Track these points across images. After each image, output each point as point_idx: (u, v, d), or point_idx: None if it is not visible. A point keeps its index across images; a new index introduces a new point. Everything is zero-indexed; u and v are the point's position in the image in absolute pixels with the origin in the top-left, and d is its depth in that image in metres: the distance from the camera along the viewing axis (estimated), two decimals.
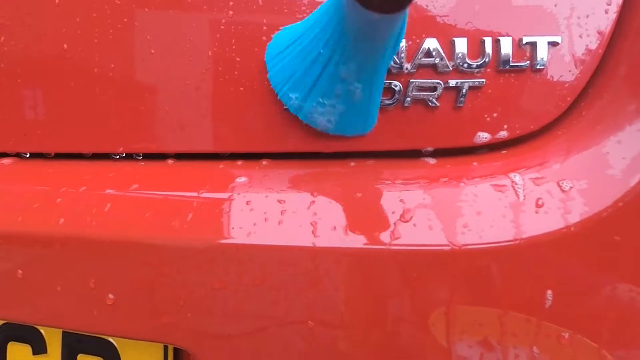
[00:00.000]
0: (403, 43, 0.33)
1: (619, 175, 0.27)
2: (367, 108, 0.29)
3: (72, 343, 0.37)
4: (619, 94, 0.31)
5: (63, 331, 0.37)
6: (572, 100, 0.32)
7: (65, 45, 0.37)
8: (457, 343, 0.27)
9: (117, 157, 0.39)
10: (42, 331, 0.38)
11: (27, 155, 0.40)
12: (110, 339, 0.36)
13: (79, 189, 0.34)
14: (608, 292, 0.26)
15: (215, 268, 0.29)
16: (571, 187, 0.27)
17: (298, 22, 0.31)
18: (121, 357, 0.36)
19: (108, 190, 0.33)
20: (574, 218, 0.26)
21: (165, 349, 0.35)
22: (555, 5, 0.32)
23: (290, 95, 0.30)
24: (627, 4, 0.32)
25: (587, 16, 0.32)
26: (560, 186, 0.28)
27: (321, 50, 0.26)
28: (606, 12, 0.32)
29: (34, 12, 0.37)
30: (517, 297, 0.27)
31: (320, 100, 0.29)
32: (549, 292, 0.26)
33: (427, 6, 0.33)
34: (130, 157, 0.38)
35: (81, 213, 0.32)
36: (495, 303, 0.26)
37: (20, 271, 0.32)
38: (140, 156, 0.38)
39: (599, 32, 0.32)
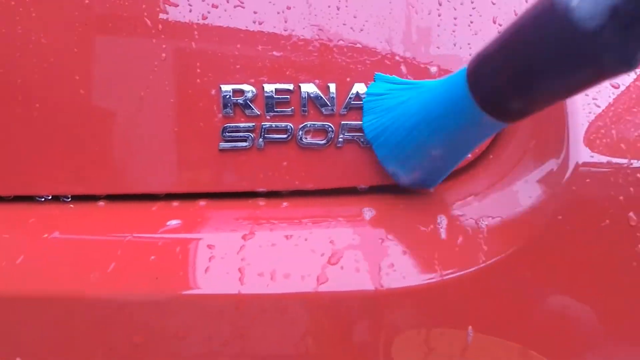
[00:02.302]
0: (333, 87, 0.34)
1: (525, 214, 0.29)
2: (439, 175, 0.30)
3: None
4: (528, 133, 0.34)
5: None
6: (490, 140, 0.35)
7: None
8: None
9: (42, 199, 0.37)
10: None
11: None
12: None
13: None
14: (523, 324, 0.27)
15: (135, 321, 0.27)
16: (487, 225, 0.29)
17: (401, 86, 0.29)
18: None
19: (21, 240, 0.31)
20: (489, 256, 0.28)
21: None
22: (470, 55, 0.36)
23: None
24: None
25: None
26: (478, 224, 0.30)
27: (424, 133, 0.26)
28: None
29: None
30: (440, 334, 0.27)
31: (405, 164, 0.30)
32: (470, 328, 0.27)
33: (358, 54, 0.35)
34: (57, 199, 0.36)
35: None
36: (421, 341, 0.27)
37: None
38: (68, 198, 0.36)
39: None
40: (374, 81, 0.33)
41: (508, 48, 0.22)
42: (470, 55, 0.36)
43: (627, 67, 0.19)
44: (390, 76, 0.33)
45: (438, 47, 0.36)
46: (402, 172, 0.31)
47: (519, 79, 0.21)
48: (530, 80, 0.21)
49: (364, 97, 0.32)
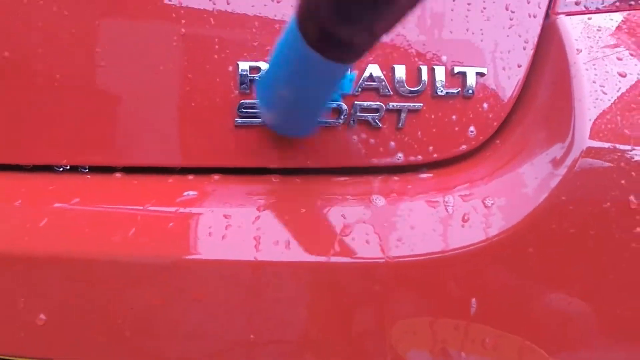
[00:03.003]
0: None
1: (530, 193, 0.30)
2: (300, 123, 0.32)
3: None
4: (535, 120, 0.35)
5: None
6: (498, 125, 0.36)
7: (6, 53, 0.35)
8: (392, 350, 0.28)
9: (61, 169, 0.38)
10: None
11: None
12: None
13: (13, 203, 0.32)
14: (524, 297, 0.29)
15: (155, 284, 0.29)
16: (493, 204, 0.30)
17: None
18: None
19: (45, 205, 0.32)
20: (494, 231, 0.29)
21: None
22: (482, 41, 0.36)
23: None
24: (540, 44, 0.37)
25: (509, 51, 0.37)
26: (484, 203, 0.31)
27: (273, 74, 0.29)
28: (524, 49, 0.37)
29: None
30: (445, 305, 0.29)
31: (265, 107, 0.33)
32: (473, 299, 0.28)
33: None
34: (75, 169, 0.37)
35: (13, 228, 0.30)
36: (426, 311, 0.28)
37: None
38: (86, 169, 0.37)
39: (519, 66, 0.36)
40: None
41: None
42: (482, 41, 0.37)
43: None
44: None
45: (451, 32, 0.36)
46: (268, 115, 0.32)
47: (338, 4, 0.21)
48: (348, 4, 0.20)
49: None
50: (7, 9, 0.35)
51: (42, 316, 0.29)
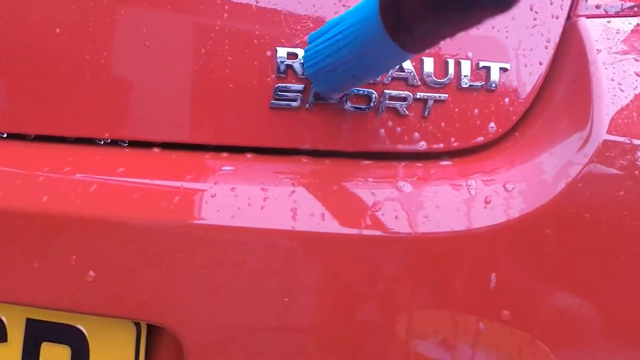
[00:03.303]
0: None
1: (550, 180, 0.32)
2: (336, 85, 0.34)
3: (36, 330, 0.37)
4: (554, 114, 0.37)
5: (27, 318, 0.36)
6: (518, 118, 0.38)
7: (57, 30, 0.37)
8: (416, 318, 0.30)
9: (102, 142, 0.40)
10: (2, 318, 0.37)
11: (4, 136, 0.40)
12: (79, 326, 0.36)
13: (62, 170, 0.34)
14: (540, 275, 0.31)
15: (199, 247, 0.31)
16: (513, 188, 0.32)
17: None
18: (89, 344, 0.36)
19: (94, 173, 0.34)
20: (514, 213, 0.31)
21: (138, 334, 0.36)
22: (507, 38, 0.39)
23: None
24: (561, 43, 0.39)
25: (531, 49, 0.39)
26: (505, 187, 0.33)
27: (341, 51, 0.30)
28: (546, 48, 0.39)
29: None
30: (467, 278, 0.31)
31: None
32: (493, 275, 0.30)
33: None
34: (115, 143, 0.39)
35: (65, 191, 0.32)
36: (449, 283, 0.30)
37: None
38: (125, 143, 0.39)
39: (540, 63, 0.39)
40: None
41: None
42: (506, 38, 0.39)
43: (504, 6, 0.22)
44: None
45: (477, 29, 0.38)
46: (318, 81, 0.34)
47: (424, 8, 0.24)
48: (434, 9, 0.23)
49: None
50: None
51: (91, 273, 0.31)
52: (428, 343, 0.31)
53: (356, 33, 0.29)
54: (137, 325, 0.35)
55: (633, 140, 0.33)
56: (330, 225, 0.31)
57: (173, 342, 0.33)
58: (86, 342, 0.36)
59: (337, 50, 0.31)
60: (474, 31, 0.40)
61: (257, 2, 0.37)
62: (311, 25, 0.37)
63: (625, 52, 0.37)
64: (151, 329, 0.35)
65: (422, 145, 0.37)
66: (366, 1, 0.30)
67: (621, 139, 0.33)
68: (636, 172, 0.32)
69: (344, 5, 0.37)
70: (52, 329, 0.36)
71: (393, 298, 0.31)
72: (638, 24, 0.39)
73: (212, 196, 0.33)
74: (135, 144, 0.39)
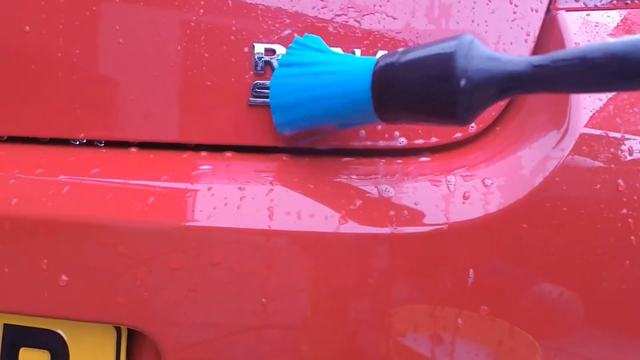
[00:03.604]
0: (358, 53, 0.37)
1: (527, 175, 0.32)
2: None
3: (14, 335, 0.36)
4: (532, 109, 0.37)
5: (4, 323, 0.36)
6: (497, 114, 0.38)
7: (27, 27, 0.36)
8: (395, 315, 0.30)
9: (77, 143, 0.39)
10: None
11: None
12: (58, 330, 0.36)
13: (34, 172, 0.34)
14: (517, 269, 0.31)
15: (174, 249, 0.30)
16: (492, 183, 0.32)
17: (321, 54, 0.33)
18: (69, 348, 0.36)
19: (66, 174, 0.33)
20: (492, 208, 0.31)
21: (118, 338, 0.35)
22: (486, 32, 0.38)
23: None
24: (541, 37, 0.39)
25: (511, 43, 0.38)
26: (483, 182, 0.33)
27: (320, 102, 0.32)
28: (525, 41, 0.39)
29: None
30: (445, 274, 0.31)
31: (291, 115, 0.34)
32: (471, 270, 0.30)
33: (383, 24, 0.37)
34: (91, 144, 0.39)
35: (36, 194, 0.31)
36: (428, 279, 0.30)
37: None
38: (102, 143, 0.39)
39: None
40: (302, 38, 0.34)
41: (407, 76, 0.28)
42: (486, 32, 0.39)
43: (461, 122, 0.26)
44: (314, 37, 0.34)
45: (457, 23, 0.38)
46: (284, 120, 0.34)
47: (407, 99, 0.28)
48: (413, 104, 0.28)
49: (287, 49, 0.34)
50: None
51: (64, 277, 0.31)
52: (408, 339, 0.31)
53: (342, 87, 0.31)
54: (118, 329, 0.34)
55: (609, 133, 0.33)
56: (309, 224, 0.31)
57: (154, 346, 0.33)
58: (66, 347, 0.36)
59: (315, 92, 0.32)
60: (453, 25, 0.40)
61: None
62: (288, 20, 0.36)
63: None
64: (132, 332, 0.35)
65: (401, 142, 0.37)
66: (358, 63, 0.31)
67: (598, 132, 0.33)
68: (612, 166, 0.32)
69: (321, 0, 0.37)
70: (30, 334, 0.36)
71: (373, 295, 0.30)
72: (617, 18, 0.40)
73: (188, 196, 0.32)
74: (111, 144, 0.38)
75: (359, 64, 0.31)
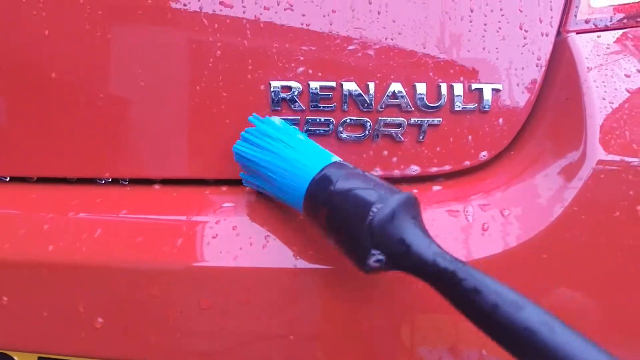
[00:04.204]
0: (372, 86, 0.38)
1: (545, 204, 0.32)
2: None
3: None
4: (547, 134, 0.37)
5: (39, 357, 0.37)
6: (512, 138, 0.38)
7: (53, 74, 0.38)
8: (422, 347, 0.31)
9: (103, 182, 0.40)
10: (15, 358, 0.38)
11: (7, 179, 0.41)
12: None
13: (66, 215, 0.35)
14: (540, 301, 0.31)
15: (202, 290, 0.31)
16: (509, 214, 0.33)
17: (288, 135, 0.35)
18: None
19: (97, 214, 0.35)
20: (511, 241, 0.31)
21: None
22: (497, 59, 0.39)
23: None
24: (552, 61, 0.39)
25: (523, 68, 0.39)
26: (502, 213, 0.33)
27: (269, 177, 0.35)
28: (537, 66, 0.39)
29: (19, 37, 0.38)
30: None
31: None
32: None
33: (396, 56, 0.38)
34: (116, 182, 0.40)
35: (70, 239, 0.33)
36: (451, 312, 0.31)
37: (5, 298, 0.33)
38: (126, 181, 0.40)
39: (532, 82, 0.39)
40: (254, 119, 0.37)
41: (335, 203, 0.30)
42: (497, 59, 0.39)
43: (364, 269, 0.28)
44: (267, 119, 0.36)
45: (468, 51, 0.39)
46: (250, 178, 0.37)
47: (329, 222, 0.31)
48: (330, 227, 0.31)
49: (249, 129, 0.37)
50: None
51: (100, 319, 0.32)
52: None
53: (285, 181, 0.34)
54: None
55: (625, 158, 0.33)
56: (331, 258, 0.31)
57: None
58: None
59: (265, 172, 0.35)
60: (465, 53, 0.41)
61: (249, 37, 0.37)
62: (302, 58, 0.37)
63: (615, 69, 0.37)
64: None
65: (415, 170, 0.37)
66: (305, 162, 0.33)
67: (615, 158, 0.33)
68: (630, 193, 0.32)
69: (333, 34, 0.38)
70: None
71: (383, 332, 0.31)
72: (628, 37, 0.40)
73: (215, 237, 0.33)
74: (136, 181, 0.39)
75: (305, 163, 0.33)
